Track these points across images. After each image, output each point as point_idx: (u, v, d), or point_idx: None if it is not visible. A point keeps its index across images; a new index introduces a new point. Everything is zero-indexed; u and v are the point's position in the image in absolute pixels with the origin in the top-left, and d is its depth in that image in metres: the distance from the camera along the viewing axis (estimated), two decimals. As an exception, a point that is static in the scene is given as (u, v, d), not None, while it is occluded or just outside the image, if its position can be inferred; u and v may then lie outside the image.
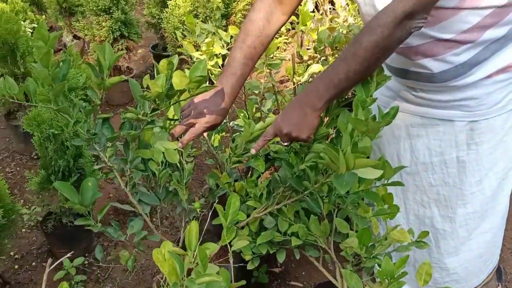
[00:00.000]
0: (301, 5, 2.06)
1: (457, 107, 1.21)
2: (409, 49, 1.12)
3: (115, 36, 2.90)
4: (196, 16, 2.63)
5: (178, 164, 1.22)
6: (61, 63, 1.03)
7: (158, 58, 3.44)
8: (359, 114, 0.89)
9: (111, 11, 2.87)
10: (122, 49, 2.92)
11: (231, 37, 1.51)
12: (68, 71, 1.07)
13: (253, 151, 1.15)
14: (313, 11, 2.22)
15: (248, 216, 1.25)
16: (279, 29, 1.28)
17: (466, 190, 1.28)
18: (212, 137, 1.61)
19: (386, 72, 1.28)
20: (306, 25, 1.84)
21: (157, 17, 3.16)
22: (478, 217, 1.31)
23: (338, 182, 0.76)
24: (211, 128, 1.20)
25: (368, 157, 0.82)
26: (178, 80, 1.00)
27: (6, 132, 2.75)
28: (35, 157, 2.51)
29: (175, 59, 1.05)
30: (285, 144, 1.09)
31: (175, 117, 1.20)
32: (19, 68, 2.16)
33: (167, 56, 2.40)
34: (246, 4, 2.96)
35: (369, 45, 0.97)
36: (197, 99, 1.17)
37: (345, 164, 0.74)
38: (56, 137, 1.62)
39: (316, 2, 2.23)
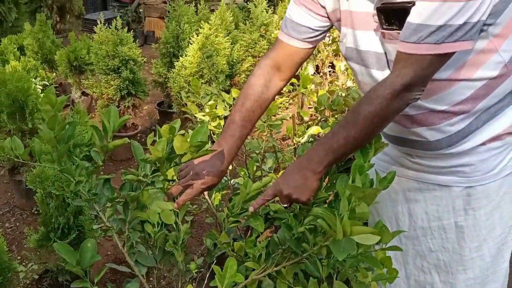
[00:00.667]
0: (301, 69, 2.14)
1: (453, 173, 1.22)
2: (405, 118, 1.16)
3: (123, 94, 2.99)
4: (201, 76, 2.72)
5: (174, 225, 1.23)
6: (67, 126, 1.07)
7: (163, 115, 3.52)
8: (357, 180, 0.90)
9: (120, 70, 2.98)
10: (128, 107, 3.00)
11: (234, 99, 1.57)
12: (73, 132, 1.11)
13: (251, 209, 1.16)
14: (314, 74, 2.30)
15: (246, 277, 1.23)
16: (277, 94, 1.33)
17: (465, 255, 1.27)
18: (213, 196, 1.62)
19: (384, 140, 1.32)
20: (306, 87, 1.91)
21: (164, 76, 3.27)
22: (478, 283, 1.29)
23: (336, 248, 0.77)
24: (208, 189, 1.22)
25: (366, 222, 0.83)
26: (179, 144, 1.03)
27: (9, 187, 2.77)
28: (36, 212, 2.51)
29: (177, 124, 1.08)
30: (285, 205, 1.10)
31: (173, 178, 1.22)
32: (27, 124, 2.22)
33: (172, 113, 2.46)
34: (250, 65, 3.07)
35: (367, 114, 1.01)
36: (195, 160, 1.19)
37: (342, 230, 0.75)
38: (58, 194, 1.64)
39: (316, 65, 2.32)
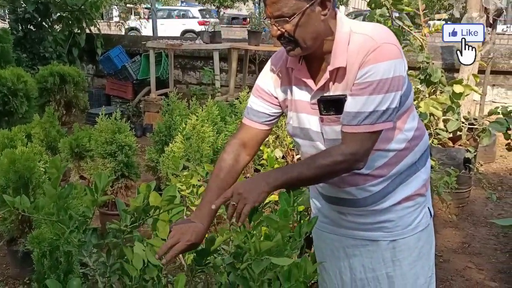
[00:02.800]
0: (269, 152, 2.49)
1: (379, 228, 1.51)
2: (339, 179, 1.46)
3: (117, 176, 3.31)
4: (188, 160, 3.06)
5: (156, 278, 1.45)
6: (66, 185, 1.37)
7: (153, 197, 3.80)
8: (273, 216, 1.19)
9: (116, 155, 3.34)
10: (121, 187, 3.30)
11: (207, 173, 1.88)
12: (71, 192, 1.41)
13: (213, 207, 1.38)
14: (283, 157, 2.65)
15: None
16: (246, 166, 1.61)
17: (397, 304, 1.50)
18: (186, 255, 1.85)
19: (321, 200, 1.62)
20: (273, 166, 2.24)
21: (155, 161, 3.62)
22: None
23: (256, 264, 1.04)
24: (192, 247, 1.40)
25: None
26: (153, 198, 1.33)
27: (5, 260, 2.98)
28: (27, 281, 2.70)
29: (153, 184, 1.39)
30: (233, 203, 1.29)
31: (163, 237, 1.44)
32: (29, 198, 2.50)
33: (161, 195, 2.75)
34: (233, 152, 3.42)
35: (320, 165, 1.34)
36: (179, 222, 1.43)
37: (253, 247, 1.03)
38: (52, 254, 1.89)
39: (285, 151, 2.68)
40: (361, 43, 1.32)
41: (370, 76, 1.30)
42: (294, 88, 1.47)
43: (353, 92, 1.33)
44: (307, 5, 1.29)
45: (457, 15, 5.05)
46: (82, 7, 7.17)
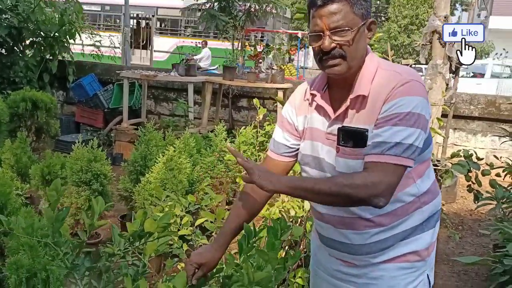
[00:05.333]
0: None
1: (369, 286, 1.43)
2: (337, 218, 1.42)
3: (90, 204, 3.29)
4: (164, 190, 3.09)
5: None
6: (64, 208, 1.41)
7: (125, 227, 3.76)
8: (264, 250, 1.26)
9: (90, 183, 3.32)
10: (94, 216, 3.27)
11: (189, 203, 1.94)
12: (66, 215, 1.44)
13: (228, 145, 1.39)
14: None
15: None
16: (269, 197, 1.59)
17: None
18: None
19: (320, 242, 1.58)
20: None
21: (129, 191, 3.62)
22: None
23: None
24: (208, 271, 1.46)
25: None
26: (149, 225, 1.39)
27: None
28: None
29: (149, 211, 1.44)
30: (247, 177, 1.30)
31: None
32: (3, 224, 2.46)
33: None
34: (208, 184, 3.48)
35: (337, 183, 1.26)
36: (199, 250, 1.49)
37: (247, 277, 1.10)
38: (29, 281, 1.87)
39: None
40: (387, 77, 1.32)
41: (397, 108, 1.26)
42: (313, 115, 1.45)
43: (378, 124, 1.29)
44: (361, 23, 1.30)
45: (422, 61, 5.36)
46: (56, 34, 7.16)
